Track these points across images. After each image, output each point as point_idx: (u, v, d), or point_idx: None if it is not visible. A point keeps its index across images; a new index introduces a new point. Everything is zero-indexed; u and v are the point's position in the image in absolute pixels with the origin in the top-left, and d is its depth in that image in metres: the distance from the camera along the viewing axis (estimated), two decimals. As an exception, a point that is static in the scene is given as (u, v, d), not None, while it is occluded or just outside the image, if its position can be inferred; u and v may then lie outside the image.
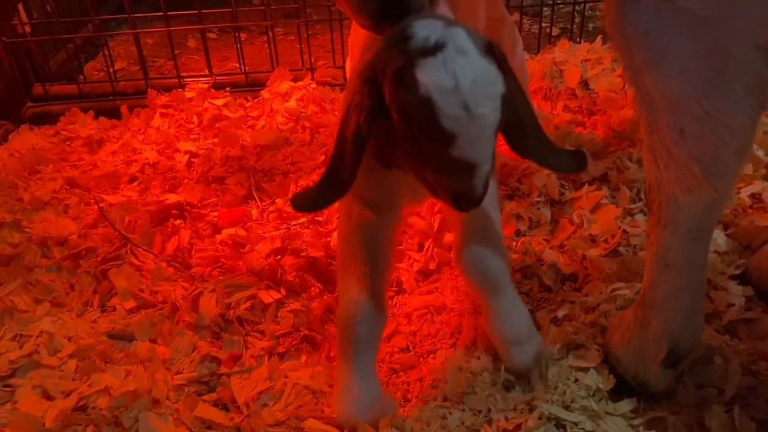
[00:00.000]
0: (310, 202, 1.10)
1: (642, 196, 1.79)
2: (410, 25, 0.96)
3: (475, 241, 1.25)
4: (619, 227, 1.69)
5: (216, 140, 2.12)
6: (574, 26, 2.75)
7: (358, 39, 1.33)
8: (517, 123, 1.04)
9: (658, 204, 1.12)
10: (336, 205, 1.18)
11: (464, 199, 0.98)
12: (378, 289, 1.23)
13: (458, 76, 0.89)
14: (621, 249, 1.66)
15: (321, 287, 1.58)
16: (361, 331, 1.21)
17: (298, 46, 2.50)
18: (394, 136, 0.99)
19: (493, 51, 0.96)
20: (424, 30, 0.94)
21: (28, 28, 2.38)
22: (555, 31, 2.90)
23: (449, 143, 0.91)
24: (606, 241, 1.69)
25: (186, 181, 1.95)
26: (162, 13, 2.44)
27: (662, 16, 0.89)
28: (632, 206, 1.76)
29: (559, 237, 1.71)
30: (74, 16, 2.75)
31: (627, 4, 0.93)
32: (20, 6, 2.34)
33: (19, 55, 2.40)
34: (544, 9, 2.76)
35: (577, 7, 2.70)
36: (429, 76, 0.90)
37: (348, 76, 1.67)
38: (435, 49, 0.91)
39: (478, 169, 0.94)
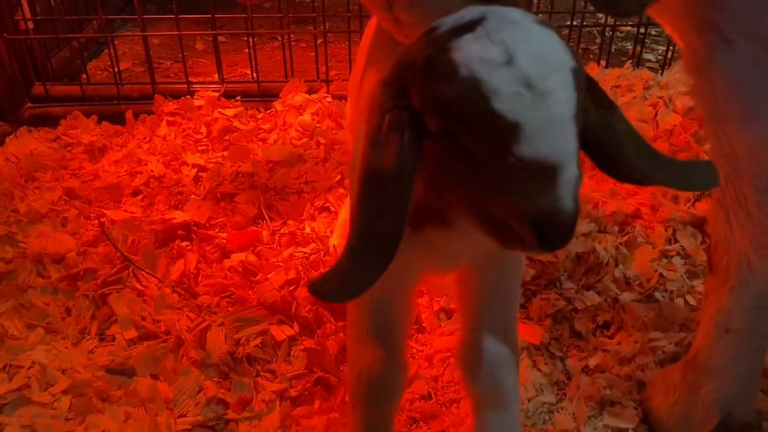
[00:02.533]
0: (337, 288, 0.75)
1: (678, 237, 1.70)
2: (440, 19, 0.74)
3: (492, 332, 1.03)
4: (656, 270, 1.60)
5: (226, 154, 2.00)
6: (595, 47, 2.65)
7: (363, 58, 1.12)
8: (603, 125, 0.75)
9: (726, 264, 1.01)
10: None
11: (549, 224, 0.65)
12: (394, 356, 1.05)
13: (509, 44, 0.65)
14: (657, 294, 1.56)
15: (336, 324, 1.47)
16: (372, 408, 1.06)
17: (310, 54, 2.39)
18: (436, 162, 0.72)
19: (549, 25, 0.71)
20: (454, 15, 0.72)
21: (31, 25, 2.26)
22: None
23: (513, 137, 0.64)
24: (641, 284, 1.59)
25: (193, 197, 1.84)
26: (173, 16, 2.32)
27: (761, 66, 0.79)
28: (668, 247, 1.66)
29: (590, 278, 1.61)
30: (78, 13, 2.63)
31: (719, 48, 0.83)
32: (24, 1, 2.22)
33: (20, 52, 2.28)
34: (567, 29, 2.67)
35: (598, 29, 2.61)
36: (469, 51, 0.66)
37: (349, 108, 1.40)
38: (472, 24, 0.68)
39: (560, 174, 0.64)
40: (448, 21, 0.71)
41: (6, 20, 2.19)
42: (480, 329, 1.04)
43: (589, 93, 0.72)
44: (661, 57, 2.88)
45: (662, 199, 1.77)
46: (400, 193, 0.72)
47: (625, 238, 1.68)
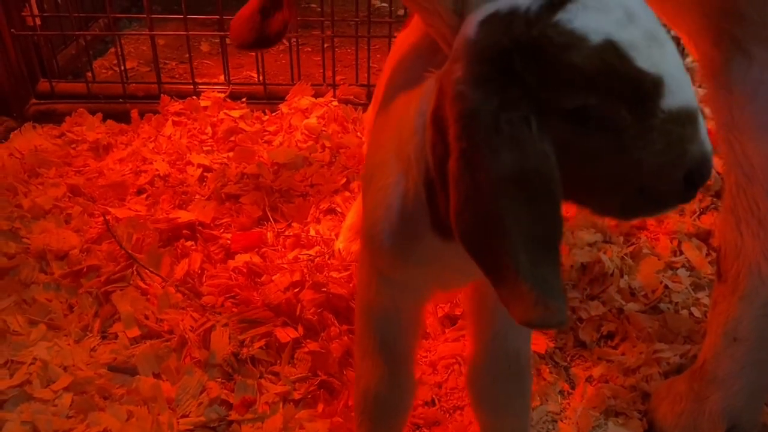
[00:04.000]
0: (541, 313, 0.65)
1: (683, 249, 1.70)
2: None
3: (505, 355, 1.01)
4: (661, 282, 1.59)
5: (231, 154, 2.00)
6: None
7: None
8: None
9: (735, 273, 1.01)
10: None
11: (699, 169, 0.66)
12: (400, 373, 1.03)
13: (622, 5, 0.64)
14: (662, 306, 1.56)
15: (340, 327, 1.46)
16: (378, 426, 1.05)
17: (315, 59, 2.39)
18: (561, 149, 0.66)
19: None
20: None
21: (38, 21, 2.25)
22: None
23: (658, 91, 0.63)
24: (646, 295, 1.58)
25: (197, 197, 1.83)
26: (179, 16, 2.32)
27: None
28: (674, 259, 1.66)
29: (595, 288, 1.60)
30: (84, 10, 2.63)
31: (737, 59, 0.83)
32: (32, -3, 2.22)
33: (26, 48, 2.27)
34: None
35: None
36: (586, 19, 0.63)
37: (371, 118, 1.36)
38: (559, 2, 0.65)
39: (699, 118, 0.65)
40: (522, 2, 0.67)
41: (13, 16, 2.18)
42: (492, 352, 1.01)
43: None
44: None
45: (668, 210, 1.77)
46: (552, 189, 0.66)
47: (631, 248, 1.68)
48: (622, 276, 1.62)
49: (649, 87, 0.63)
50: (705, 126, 0.66)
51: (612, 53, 0.62)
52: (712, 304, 1.12)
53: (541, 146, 0.65)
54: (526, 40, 0.65)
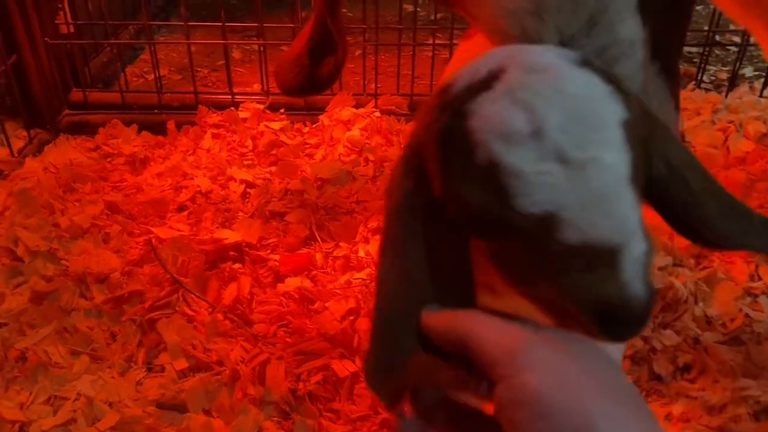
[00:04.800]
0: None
1: (761, 274, 1.58)
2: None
3: None
4: (740, 309, 1.48)
5: (273, 169, 1.91)
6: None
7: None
8: (675, 180, 0.58)
9: None
10: None
11: (617, 315, 0.51)
12: None
13: (535, 106, 0.50)
14: (743, 337, 1.45)
15: (400, 358, 1.37)
16: None
17: (350, 66, 2.29)
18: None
19: (592, 64, 0.54)
20: (472, 64, 0.56)
21: (72, 29, 2.18)
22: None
23: (552, 227, 0.50)
24: (724, 324, 1.47)
25: (241, 214, 1.74)
26: (210, 23, 2.24)
27: None
28: (752, 285, 1.55)
29: (668, 316, 1.50)
30: (114, 17, 2.56)
31: None
32: (66, 4, 2.14)
33: (59, 57, 2.20)
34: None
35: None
36: (486, 120, 0.50)
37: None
38: (488, 79, 0.53)
39: (622, 255, 0.50)
40: (465, 73, 0.55)
41: (47, 24, 2.11)
42: None
43: (655, 140, 0.56)
44: (713, 77, 2.78)
45: (741, 231, 1.66)
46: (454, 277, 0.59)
47: (704, 273, 1.57)
48: (696, 303, 1.51)
49: (536, 224, 0.50)
50: (639, 262, 0.51)
51: (491, 183, 0.50)
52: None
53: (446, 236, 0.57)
54: (435, 130, 0.55)
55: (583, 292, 0.51)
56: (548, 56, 0.52)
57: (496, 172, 0.49)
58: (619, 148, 0.50)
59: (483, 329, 0.52)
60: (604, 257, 0.49)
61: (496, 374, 0.49)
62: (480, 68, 0.54)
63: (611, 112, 0.50)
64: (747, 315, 1.47)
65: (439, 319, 0.56)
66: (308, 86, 0.95)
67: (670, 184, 0.57)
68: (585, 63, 0.52)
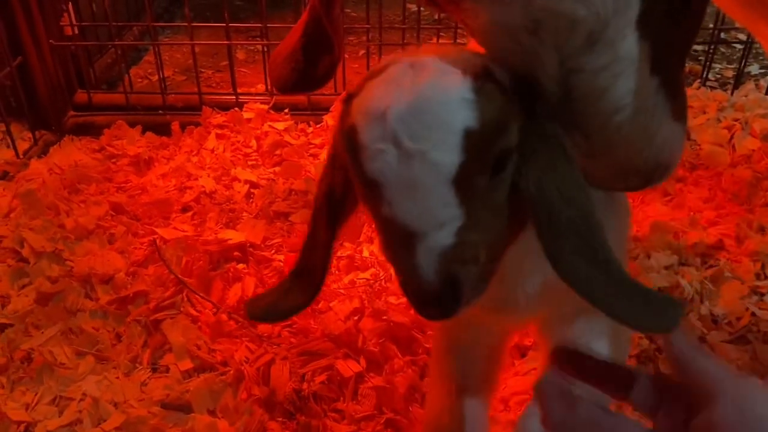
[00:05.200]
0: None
1: (767, 272, 1.58)
2: None
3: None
4: (747, 308, 1.47)
5: (278, 169, 1.91)
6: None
7: None
8: (539, 202, 0.60)
9: None
10: None
11: (411, 292, 0.60)
12: (474, 406, 0.96)
13: (392, 96, 0.57)
14: (749, 336, 1.44)
15: (403, 359, 1.37)
16: None
17: (353, 66, 2.30)
18: None
19: (484, 76, 0.58)
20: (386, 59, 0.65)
21: (77, 30, 2.19)
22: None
23: (378, 196, 0.58)
24: (730, 323, 1.47)
25: (245, 215, 1.74)
26: (214, 24, 2.24)
27: None
28: (758, 283, 1.54)
29: (674, 314, 1.49)
30: (119, 18, 2.56)
31: None
32: (70, 5, 2.15)
33: (63, 58, 2.20)
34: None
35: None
36: (362, 97, 0.60)
37: None
38: (380, 70, 0.61)
39: (420, 242, 0.57)
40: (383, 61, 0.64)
41: (51, 26, 2.12)
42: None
43: (535, 161, 0.59)
44: (719, 75, 2.77)
45: (747, 230, 1.65)
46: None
47: (710, 272, 1.56)
48: (702, 302, 1.51)
49: (370, 187, 0.59)
50: (434, 253, 0.56)
51: (349, 142, 0.60)
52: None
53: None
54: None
55: (394, 266, 0.60)
56: (436, 59, 0.59)
57: (353, 136, 0.59)
58: (450, 151, 0.55)
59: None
60: (405, 239, 0.57)
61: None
62: (382, 62, 0.62)
63: (457, 118, 0.55)
64: (753, 314, 1.47)
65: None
66: (303, 84, 0.92)
67: (536, 206, 0.60)
68: (452, 72, 0.57)
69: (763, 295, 1.52)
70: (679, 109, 0.61)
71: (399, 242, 0.58)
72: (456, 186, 0.56)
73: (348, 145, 0.60)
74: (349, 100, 0.62)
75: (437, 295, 0.57)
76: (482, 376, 0.97)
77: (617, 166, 0.61)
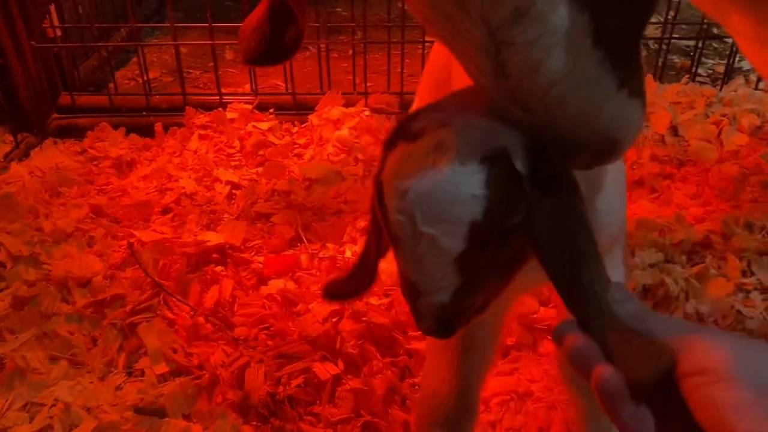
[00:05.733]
0: None
1: (754, 269, 1.55)
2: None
3: None
4: (732, 306, 1.45)
5: (260, 170, 1.89)
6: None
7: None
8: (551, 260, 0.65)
9: None
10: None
11: (415, 320, 0.69)
12: (471, 383, 1.00)
13: (414, 178, 0.63)
14: (735, 333, 1.42)
15: (383, 360, 1.35)
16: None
17: (342, 65, 2.28)
18: None
19: (499, 163, 0.62)
20: (429, 113, 0.68)
21: (59, 32, 2.17)
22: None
23: (396, 244, 0.67)
24: (716, 321, 1.44)
25: (226, 216, 1.72)
26: (204, 24, 2.22)
27: None
28: (744, 281, 1.52)
29: (660, 313, 1.46)
30: (106, 18, 2.54)
31: None
32: (53, 7, 2.13)
33: (46, 60, 2.19)
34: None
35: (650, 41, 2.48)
36: (391, 163, 0.65)
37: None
38: (416, 135, 0.65)
39: (421, 296, 0.66)
40: (418, 116, 0.67)
41: (33, 27, 2.10)
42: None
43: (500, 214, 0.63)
44: (711, 71, 2.74)
45: (734, 226, 1.63)
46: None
47: (696, 269, 1.54)
48: (688, 300, 1.48)
49: (391, 234, 0.66)
50: (432, 307, 0.65)
51: (381, 193, 0.66)
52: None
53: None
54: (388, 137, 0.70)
55: (402, 293, 0.69)
56: (458, 141, 0.62)
57: (383, 197, 0.65)
58: (457, 238, 0.62)
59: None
60: (411, 287, 0.65)
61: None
62: (418, 122, 0.65)
63: (465, 212, 0.61)
64: (739, 312, 1.44)
65: None
66: (271, 55, 0.92)
67: (542, 252, 0.65)
68: (492, 159, 0.61)
69: (749, 292, 1.50)
70: (634, 85, 0.59)
71: (405, 285, 0.67)
72: (458, 263, 0.63)
73: (378, 197, 0.66)
74: (386, 150, 0.66)
75: (433, 330, 0.67)
76: (482, 353, 0.99)
77: (562, 140, 0.59)
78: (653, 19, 3.25)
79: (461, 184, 0.61)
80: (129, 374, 1.32)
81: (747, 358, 0.47)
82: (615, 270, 0.92)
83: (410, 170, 0.62)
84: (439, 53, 1.20)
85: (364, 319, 1.39)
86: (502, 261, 0.66)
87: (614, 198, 0.89)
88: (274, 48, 0.91)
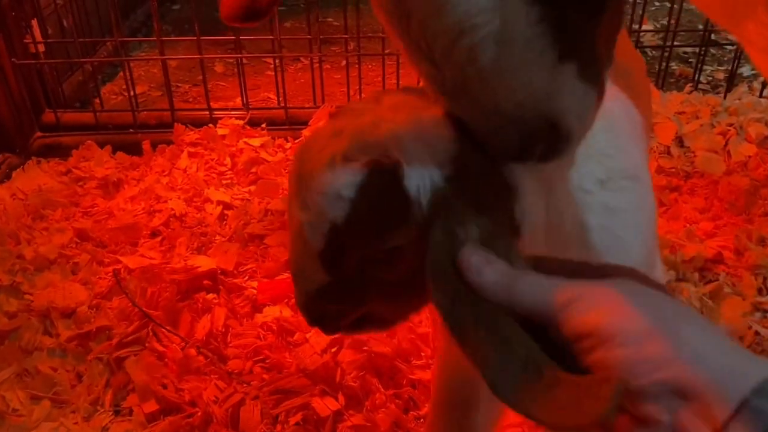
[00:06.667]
0: None
1: (770, 287, 1.49)
2: None
3: None
4: (749, 327, 1.39)
5: (253, 189, 1.82)
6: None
7: None
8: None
9: None
10: None
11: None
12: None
13: (305, 160, 0.63)
14: (754, 356, 1.35)
15: (386, 393, 1.27)
16: None
17: (335, 77, 2.22)
18: None
19: (383, 176, 0.58)
20: (370, 101, 0.69)
21: (42, 48, 2.09)
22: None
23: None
24: (733, 343, 1.38)
25: (218, 238, 1.65)
26: (192, 37, 2.15)
27: None
28: (760, 299, 1.45)
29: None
30: (92, 32, 2.47)
31: None
32: (35, 22, 2.06)
33: (29, 77, 2.11)
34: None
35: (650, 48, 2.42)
36: (304, 139, 0.72)
37: None
38: (334, 115, 0.69)
39: (296, 284, 0.66)
40: (366, 98, 0.69)
41: (15, 43, 2.02)
42: None
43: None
44: (710, 78, 2.69)
45: (747, 241, 1.57)
46: None
47: (710, 287, 1.48)
48: (702, 320, 1.42)
49: None
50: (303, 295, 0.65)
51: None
52: None
53: None
54: None
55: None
56: (356, 138, 0.60)
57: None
58: (317, 234, 0.60)
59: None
60: (293, 277, 0.66)
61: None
62: (360, 101, 0.67)
63: (327, 209, 0.59)
64: (757, 333, 1.38)
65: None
66: (248, 14, 0.89)
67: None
68: (375, 166, 0.57)
69: (766, 311, 1.43)
70: (589, 71, 0.52)
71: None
72: (322, 260, 0.60)
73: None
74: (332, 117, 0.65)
75: (307, 320, 0.67)
76: (491, 398, 0.93)
77: (480, 107, 0.52)
78: (652, 27, 3.20)
79: (333, 180, 0.58)
80: (116, 413, 1.24)
81: (622, 311, 0.47)
82: None
83: (308, 151, 0.62)
84: None
85: (364, 348, 1.31)
86: (393, 280, 0.61)
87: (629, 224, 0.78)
88: (252, 9, 0.90)
